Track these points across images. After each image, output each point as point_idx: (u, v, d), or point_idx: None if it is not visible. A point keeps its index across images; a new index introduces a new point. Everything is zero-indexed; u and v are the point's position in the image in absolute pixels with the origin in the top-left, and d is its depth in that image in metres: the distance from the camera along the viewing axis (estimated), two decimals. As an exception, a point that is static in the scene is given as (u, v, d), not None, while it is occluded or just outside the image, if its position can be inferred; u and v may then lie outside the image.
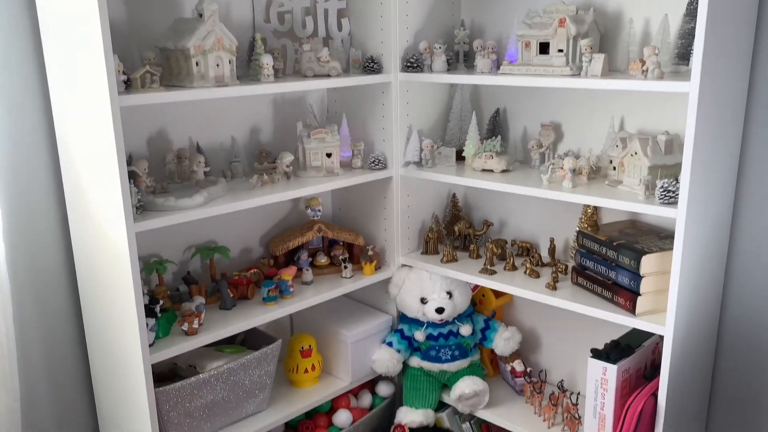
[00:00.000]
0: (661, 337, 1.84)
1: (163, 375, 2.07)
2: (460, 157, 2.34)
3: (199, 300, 2.06)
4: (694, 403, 2.04)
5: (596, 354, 1.95)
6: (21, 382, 1.93)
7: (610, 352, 1.94)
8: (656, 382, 1.88)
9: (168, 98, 1.75)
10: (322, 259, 2.34)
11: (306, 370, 2.30)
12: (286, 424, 2.32)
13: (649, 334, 2.01)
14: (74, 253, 1.96)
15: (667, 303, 1.80)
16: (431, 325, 2.33)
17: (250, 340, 2.24)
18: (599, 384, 1.93)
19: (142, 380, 1.83)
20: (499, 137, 2.25)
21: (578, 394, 2.16)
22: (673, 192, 1.75)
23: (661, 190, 1.77)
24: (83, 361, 2.08)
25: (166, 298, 2.02)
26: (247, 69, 2.06)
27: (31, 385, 1.99)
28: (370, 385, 2.49)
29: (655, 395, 1.86)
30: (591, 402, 1.96)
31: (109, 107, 1.61)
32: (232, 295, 2.11)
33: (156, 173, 2.01)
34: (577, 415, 2.10)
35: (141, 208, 1.80)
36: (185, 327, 1.94)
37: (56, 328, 2.03)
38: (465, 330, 2.33)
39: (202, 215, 1.87)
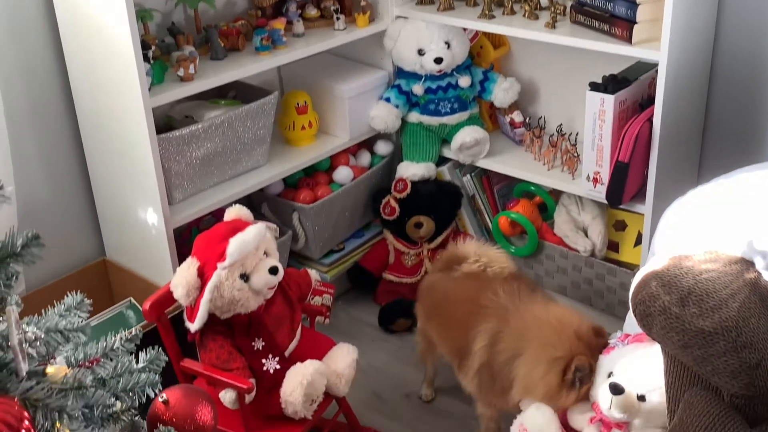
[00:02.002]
0: (656, 68, 2.28)
1: (159, 129, 2.44)
2: None
3: (189, 48, 2.44)
4: (690, 128, 2.52)
5: (594, 87, 2.40)
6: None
7: (607, 84, 2.39)
8: (652, 108, 2.34)
9: None
10: (312, 11, 2.71)
11: (303, 127, 2.72)
12: (286, 182, 2.79)
13: (645, 70, 2.46)
14: (56, 11, 2.30)
15: (662, 32, 2.22)
16: (429, 78, 2.75)
17: (242, 96, 2.64)
18: (597, 116, 2.39)
19: (144, 127, 2.22)
20: None
21: (576, 134, 2.64)
22: None
23: None
24: (72, 121, 2.47)
25: (156, 47, 2.40)
26: None
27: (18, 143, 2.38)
28: (368, 145, 2.94)
29: (650, 120, 2.34)
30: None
31: None
32: (222, 45, 2.50)
33: None
34: (575, 154, 2.58)
35: (130, -58, 2.13)
36: (181, 72, 2.32)
37: (41, 87, 2.40)
38: (464, 81, 2.76)
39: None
